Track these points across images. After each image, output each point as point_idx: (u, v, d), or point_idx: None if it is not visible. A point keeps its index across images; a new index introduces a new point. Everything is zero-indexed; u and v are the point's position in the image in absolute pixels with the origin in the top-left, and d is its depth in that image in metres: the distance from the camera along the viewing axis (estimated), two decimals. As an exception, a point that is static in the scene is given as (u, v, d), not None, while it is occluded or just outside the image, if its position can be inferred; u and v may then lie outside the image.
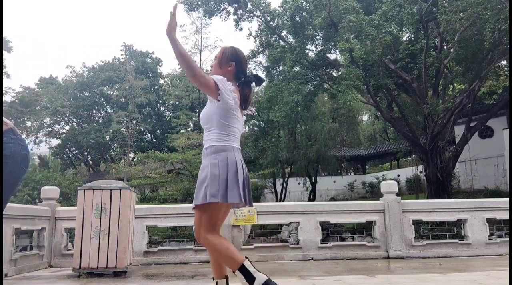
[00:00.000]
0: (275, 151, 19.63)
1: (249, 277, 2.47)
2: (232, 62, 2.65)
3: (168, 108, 38.76)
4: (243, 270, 2.47)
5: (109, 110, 35.90)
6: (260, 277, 2.49)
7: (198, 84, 2.43)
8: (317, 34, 15.96)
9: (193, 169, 16.44)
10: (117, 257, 4.81)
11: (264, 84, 22.46)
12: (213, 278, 2.66)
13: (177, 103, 36.21)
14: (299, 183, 22.28)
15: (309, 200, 20.89)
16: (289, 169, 22.70)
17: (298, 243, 6.78)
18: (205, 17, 18.85)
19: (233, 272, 2.50)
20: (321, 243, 6.73)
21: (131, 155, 33.73)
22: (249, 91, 2.72)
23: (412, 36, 15.97)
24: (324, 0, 13.63)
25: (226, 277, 2.65)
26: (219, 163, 2.47)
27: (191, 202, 16.72)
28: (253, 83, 2.78)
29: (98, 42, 71.33)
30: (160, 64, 39.15)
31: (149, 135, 38.31)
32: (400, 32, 15.33)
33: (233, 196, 2.44)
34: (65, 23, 73.76)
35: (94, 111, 36.82)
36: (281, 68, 17.29)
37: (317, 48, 16.83)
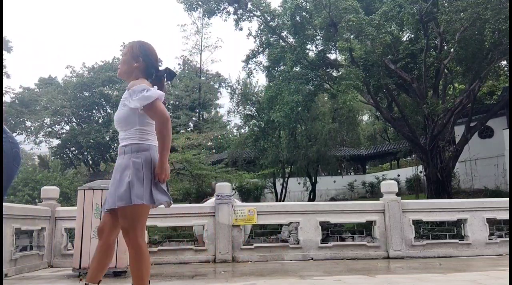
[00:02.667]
0: (275, 151, 19.62)
1: None
2: (140, 57, 2.60)
3: (168, 108, 38.72)
4: None
5: (109, 110, 35.88)
6: None
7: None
8: (317, 34, 15.95)
9: (193, 169, 16.43)
10: (117, 257, 4.81)
11: (264, 84, 22.52)
12: (81, 279, 2.53)
13: (177, 103, 36.21)
14: (299, 183, 22.28)
15: (309, 200, 20.89)
16: (289, 169, 22.70)
17: (298, 243, 6.78)
18: (205, 17, 18.85)
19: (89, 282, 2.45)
20: (321, 243, 6.73)
21: (131, 155, 33.70)
22: (162, 86, 2.67)
23: (412, 36, 15.97)
24: (324, 0, 13.63)
25: (99, 283, 2.51)
26: (142, 163, 2.39)
27: (191, 202, 16.73)
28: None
29: (98, 42, 71.35)
30: (160, 63, 39.13)
31: (149, 135, 38.29)
32: (400, 32, 15.32)
33: (160, 198, 2.41)
34: (65, 23, 73.77)
35: (94, 111, 36.80)
36: (281, 68, 17.27)
37: (317, 48, 16.83)
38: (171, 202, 2.50)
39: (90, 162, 36.89)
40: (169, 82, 2.76)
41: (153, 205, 2.43)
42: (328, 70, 17.09)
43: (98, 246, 2.52)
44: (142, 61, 2.61)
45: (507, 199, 7.11)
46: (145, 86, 2.45)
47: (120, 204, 2.33)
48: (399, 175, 22.80)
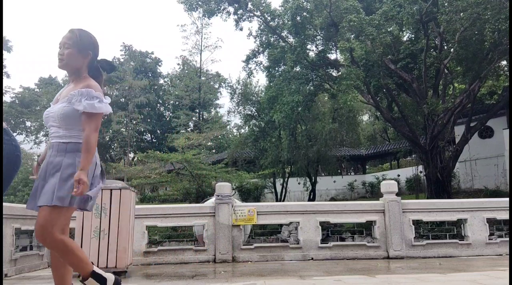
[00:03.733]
0: (275, 151, 19.62)
1: (101, 279, 2.42)
2: (89, 51, 2.50)
3: (168, 108, 38.77)
4: (95, 274, 2.39)
5: (109, 110, 35.91)
6: (110, 277, 2.46)
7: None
8: (317, 34, 15.95)
9: (193, 169, 16.41)
10: (117, 257, 4.81)
11: (264, 84, 22.52)
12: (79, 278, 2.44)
13: (177, 103, 36.22)
14: (299, 183, 22.28)
15: (309, 200, 20.88)
16: (289, 169, 22.70)
17: (298, 243, 6.78)
18: (205, 17, 18.86)
19: (83, 280, 2.38)
20: (321, 243, 6.74)
21: (131, 155, 33.75)
22: (102, 78, 2.60)
23: (412, 36, 15.98)
24: (325, 0, 13.63)
25: None
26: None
27: (191, 202, 16.68)
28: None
29: (98, 42, 71.24)
30: (159, 63, 39.17)
31: (149, 135, 38.32)
32: (401, 32, 15.33)
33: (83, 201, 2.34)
34: (65, 23, 73.76)
35: (94, 111, 36.84)
36: (281, 68, 17.27)
37: (317, 48, 16.82)
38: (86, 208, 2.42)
39: (90, 162, 36.89)
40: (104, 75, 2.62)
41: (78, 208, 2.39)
42: (329, 70, 17.09)
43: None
44: (91, 54, 2.50)
45: (507, 199, 7.11)
46: (100, 94, 2.38)
47: (57, 203, 2.23)
48: (399, 175, 22.80)
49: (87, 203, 2.38)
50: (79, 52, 2.45)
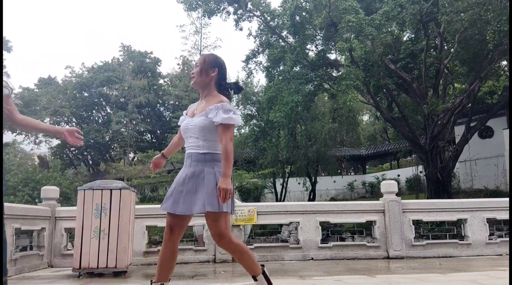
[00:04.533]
0: (275, 151, 19.61)
1: (269, 281, 2.77)
2: (215, 68, 2.73)
3: (168, 108, 38.76)
4: (265, 275, 2.75)
5: (108, 110, 35.91)
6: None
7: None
8: (317, 34, 15.95)
9: (193, 169, 16.42)
10: (117, 257, 4.81)
11: (264, 84, 22.52)
12: (151, 281, 2.62)
13: (177, 103, 36.17)
14: (299, 183, 22.27)
15: (309, 200, 20.88)
16: (289, 169, 22.69)
17: (298, 243, 6.78)
18: (205, 17, 18.85)
19: (253, 276, 2.71)
20: (321, 243, 6.73)
21: (131, 155, 33.74)
22: (229, 98, 2.80)
23: (413, 36, 15.98)
24: (324, 0, 13.63)
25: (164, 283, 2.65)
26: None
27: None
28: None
29: (98, 42, 71.35)
30: (159, 63, 39.13)
31: (149, 135, 38.30)
32: (401, 32, 15.33)
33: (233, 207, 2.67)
34: (65, 23, 73.77)
35: (94, 111, 36.82)
36: (281, 68, 17.27)
37: (317, 48, 16.83)
38: (232, 212, 2.69)
39: (90, 162, 36.90)
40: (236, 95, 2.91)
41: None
42: (328, 70, 17.09)
43: (166, 246, 2.63)
44: (217, 72, 2.75)
45: (507, 199, 7.11)
46: (233, 107, 2.65)
47: (210, 209, 2.48)
48: (399, 175, 22.80)
49: (232, 206, 2.67)
50: (206, 70, 2.72)
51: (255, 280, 2.71)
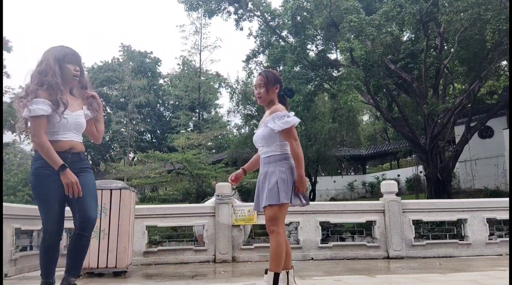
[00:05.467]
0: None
1: (276, 282, 2.96)
2: (277, 84, 3.13)
3: (168, 108, 38.76)
4: (276, 277, 2.97)
5: (108, 110, 35.93)
6: None
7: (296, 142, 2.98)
8: (317, 34, 15.95)
9: (193, 169, 16.39)
10: (117, 257, 4.81)
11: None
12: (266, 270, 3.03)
13: (177, 103, 36.19)
14: (299, 183, 22.24)
15: (309, 200, 20.85)
16: (289, 169, 22.64)
17: (298, 243, 6.77)
18: (206, 17, 18.85)
19: (267, 270, 3.00)
20: (321, 243, 6.73)
21: (131, 155, 33.74)
22: (287, 103, 3.24)
23: (413, 36, 15.97)
24: (325, 0, 13.63)
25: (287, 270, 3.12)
26: (286, 171, 2.96)
27: (191, 202, 16.66)
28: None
29: (97, 42, 71.33)
30: (159, 63, 39.14)
31: (149, 135, 38.31)
32: (401, 32, 15.32)
33: (294, 200, 2.97)
34: (65, 23, 73.76)
35: (94, 111, 36.79)
36: (281, 68, 17.28)
37: (317, 48, 16.83)
38: (306, 203, 3.03)
39: (90, 162, 36.91)
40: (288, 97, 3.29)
41: (291, 204, 2.99)
42: (329, 70, 17.09)
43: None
44: (279, 87, 3.14)
45: (507, 199, 7.10)
46: (286, 112, 3.00)
47: (271, 202, 2.87)
48: (399, 175, 22.79)
49: (306, 198, 3.05)
50: (271, 88, 3.11)
51: (265, 273, 3.00)
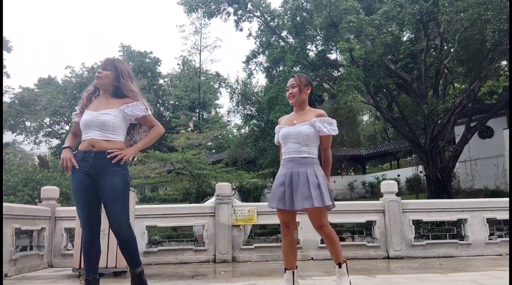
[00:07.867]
0: (275, 151, 19.60)
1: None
2: (309, 86, 3.25)
3: (168, 108, 38.74)
4: (346, 265, 3.16)
5: (108, 110, 35.90)
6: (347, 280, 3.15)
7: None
8: (317, 34, 15.95)
9: (193, 169, 16.35)
10: (117, 257, 4.81)
11: (264, 84, 22.49)
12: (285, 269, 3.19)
13: (176, 103, 36.17)
14: (299, 183, 22.23)
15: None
16: (289, 169, 22.63)
17: (298, 243, 6.77)
18: (205, 17, 18.85)
19: (338, 264, 3.12)
20: (321, 243, 6.72)
21: (131, 155, 33.66)
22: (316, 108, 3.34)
23: (413, 36, 15.97)
24: (325, 0, 13.63)
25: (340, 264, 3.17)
26: (323, 175, 3.08)
27: (191, 202, 16.66)
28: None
29: (98, 42, 71.32)
30: (159, 63, 39.11)
31: (149, 135, 38.22)
32: (401, 32, 15.33)
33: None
34: (65, 23, 73.75)
35: (94, 111, 36.83)
36: (281, 68, 17.27)
37: (317, 48, 16.82)
38: (333, 206, 3.09)
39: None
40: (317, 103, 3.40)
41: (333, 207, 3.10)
42: (329, 70, 17.09)
43: (284, 241, 3.18)
44: (311, 88, 3.27)
45: (507, 199, 7.10)
46: (334, 120, 3.12)
47: (318, 204, 2.90)
48: (399, 175, 22.77)
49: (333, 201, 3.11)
50: (303, 89, 3.20)
51: (340, 267, 3.11)
